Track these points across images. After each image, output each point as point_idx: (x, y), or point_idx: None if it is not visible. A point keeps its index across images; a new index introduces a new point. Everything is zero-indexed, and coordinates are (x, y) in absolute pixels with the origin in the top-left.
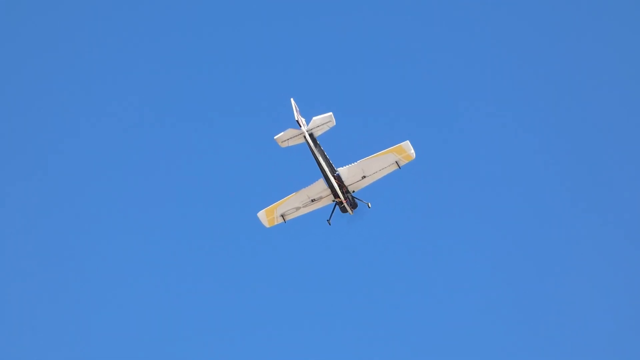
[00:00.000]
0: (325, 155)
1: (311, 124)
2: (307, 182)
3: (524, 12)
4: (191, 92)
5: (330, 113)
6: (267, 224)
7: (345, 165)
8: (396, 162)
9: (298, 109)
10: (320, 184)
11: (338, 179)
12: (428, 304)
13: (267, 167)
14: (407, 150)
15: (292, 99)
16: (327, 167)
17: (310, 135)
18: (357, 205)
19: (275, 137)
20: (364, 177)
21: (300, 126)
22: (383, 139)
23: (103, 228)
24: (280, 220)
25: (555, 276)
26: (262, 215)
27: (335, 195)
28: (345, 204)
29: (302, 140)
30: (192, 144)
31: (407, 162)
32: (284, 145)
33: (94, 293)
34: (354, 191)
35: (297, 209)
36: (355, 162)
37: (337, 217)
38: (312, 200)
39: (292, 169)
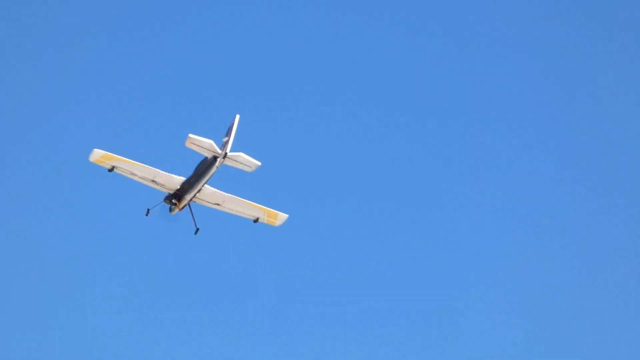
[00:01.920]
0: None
1: (233, 156)
2: (171, 168)
3: None
4: None
5: (259, 163)
6: (92, 159)
7: (214, 188)
8: (258, 217)
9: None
10: (177, 181)
11: (198, 192)
12: None
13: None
14: (279, 219)
15: (237, 116)
16: (203, 181)
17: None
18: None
19: (190, 135)
20: (217, 204)
21: (223, 148)
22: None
23: None
24: (108, 167)
25: None
26: (98, 152)
27: (179, 199)
28: (178, 210)
29: (209, 156)
30: None
31: (266, 224)
32: (189, 146)
33: None
34: (194, 202)
35: (133, 175)
36: (226, 193)
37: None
38: (153, 181)
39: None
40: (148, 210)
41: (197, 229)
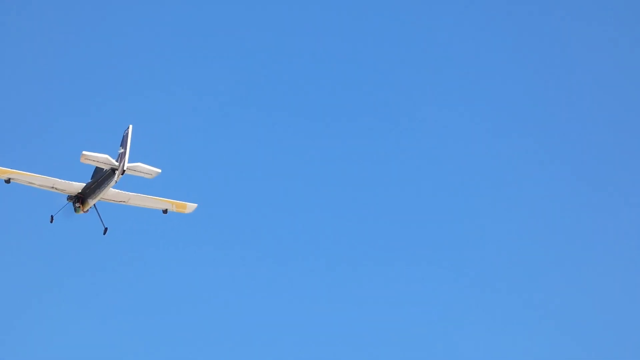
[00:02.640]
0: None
1: (133, 167)
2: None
3: None
4: None
5: (159, 170)
6: None
7: (117, 189)
8: (167, 208)
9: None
10: (78, 186)
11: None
12: None
13: None
14: (188, 208)
15: (130, 126)
16: (104, 190)
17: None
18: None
19: (84, 152)
20: (123, 201)
21: (120, 161)
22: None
23: None
24: (4, 179)
25: None
26: None
27: (82, 202)
28: (82, 212)
29: (107, 168)
30: None
31: (177, 212)
32: (85, 162)
33: None
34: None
35: (31, 183)
36: (131, 192)
37: None
38: (53, 188)
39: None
40: (52, 216)
41: (106, 229)
